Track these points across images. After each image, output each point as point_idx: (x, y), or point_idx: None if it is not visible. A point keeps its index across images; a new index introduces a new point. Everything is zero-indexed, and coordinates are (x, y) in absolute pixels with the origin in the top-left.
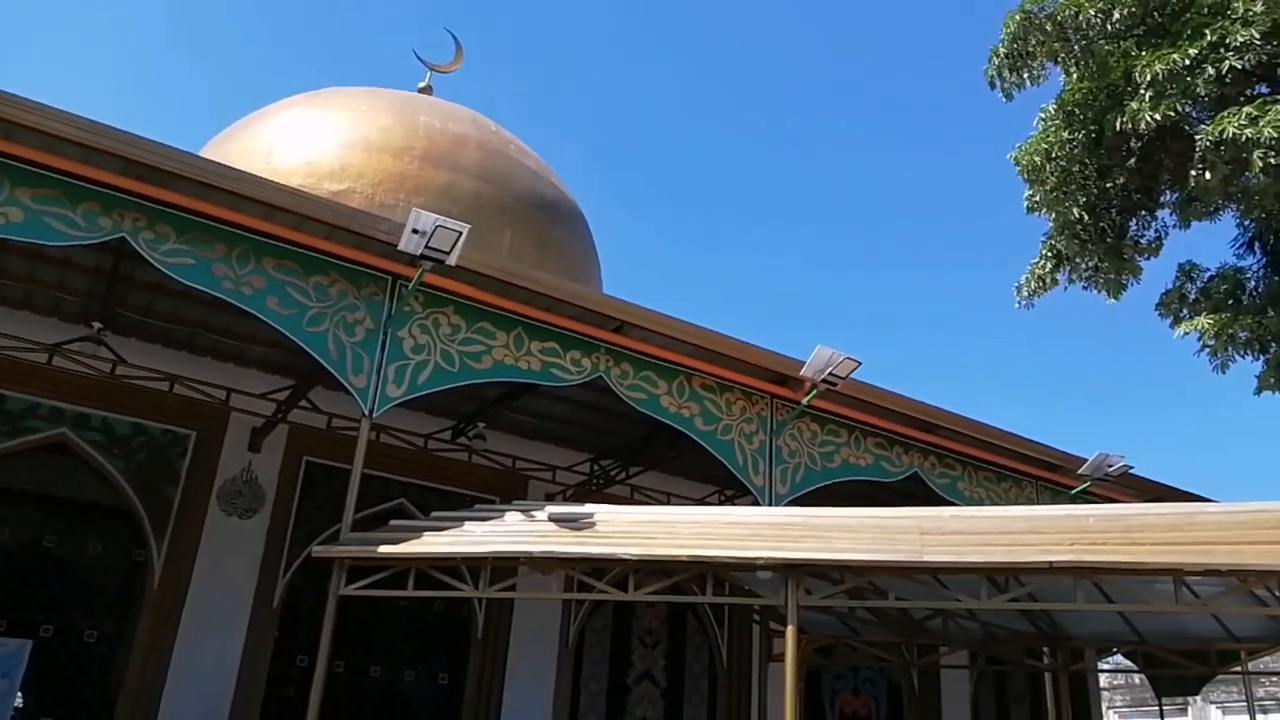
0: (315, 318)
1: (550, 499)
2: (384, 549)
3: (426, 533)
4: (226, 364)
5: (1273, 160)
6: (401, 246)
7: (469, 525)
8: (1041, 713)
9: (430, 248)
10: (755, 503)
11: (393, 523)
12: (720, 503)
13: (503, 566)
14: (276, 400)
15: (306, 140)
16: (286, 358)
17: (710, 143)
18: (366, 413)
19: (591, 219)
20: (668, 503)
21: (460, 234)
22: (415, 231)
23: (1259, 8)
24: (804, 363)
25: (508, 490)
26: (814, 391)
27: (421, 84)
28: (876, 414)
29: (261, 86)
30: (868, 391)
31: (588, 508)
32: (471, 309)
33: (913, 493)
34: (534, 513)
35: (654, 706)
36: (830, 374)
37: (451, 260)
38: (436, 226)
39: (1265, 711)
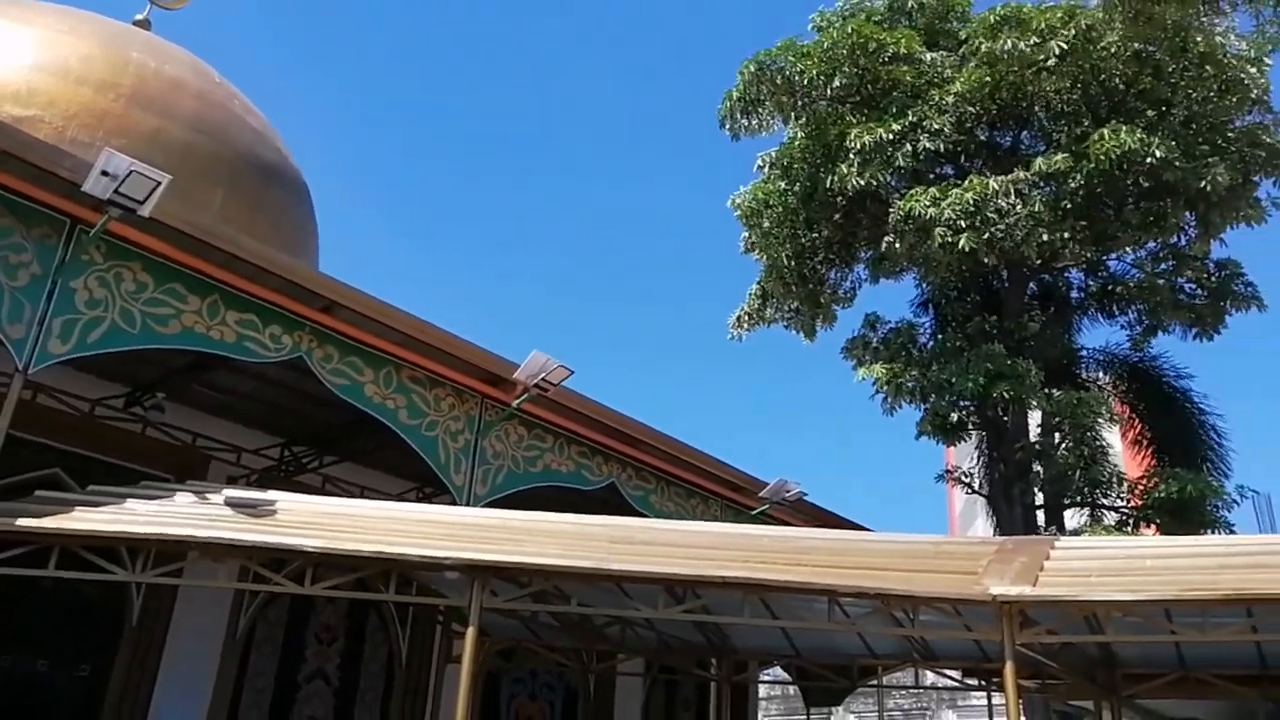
0: None
1: (233, 482)
2: (24, 522)
3: (79, 507)
4: None
5: (949, 238)
6: (86, 188)
7: (132, 503)
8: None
9: (121, 194)
10: (454, 502)
11: (39, 493)
12: (419, 500)
13: (167, 551)
14: None
15: None
16: None
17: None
18: (20, 367)
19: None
20: (362, 496)
21: (159, 184)
22: (105, 174)
23: (950, 99)
24: (518, 365)
25: (185, 469)
26: (525, 395)
27: (139, 16)
28: (582, 423)
29: None
30: (576, 400)
31: (270, 494)
32: (162, 267)
33: (609, 502)
34: (209, 495)
35: (324, 706)
36: (543, 379)
37: (145, 211)
38: (131, 171)
39: None
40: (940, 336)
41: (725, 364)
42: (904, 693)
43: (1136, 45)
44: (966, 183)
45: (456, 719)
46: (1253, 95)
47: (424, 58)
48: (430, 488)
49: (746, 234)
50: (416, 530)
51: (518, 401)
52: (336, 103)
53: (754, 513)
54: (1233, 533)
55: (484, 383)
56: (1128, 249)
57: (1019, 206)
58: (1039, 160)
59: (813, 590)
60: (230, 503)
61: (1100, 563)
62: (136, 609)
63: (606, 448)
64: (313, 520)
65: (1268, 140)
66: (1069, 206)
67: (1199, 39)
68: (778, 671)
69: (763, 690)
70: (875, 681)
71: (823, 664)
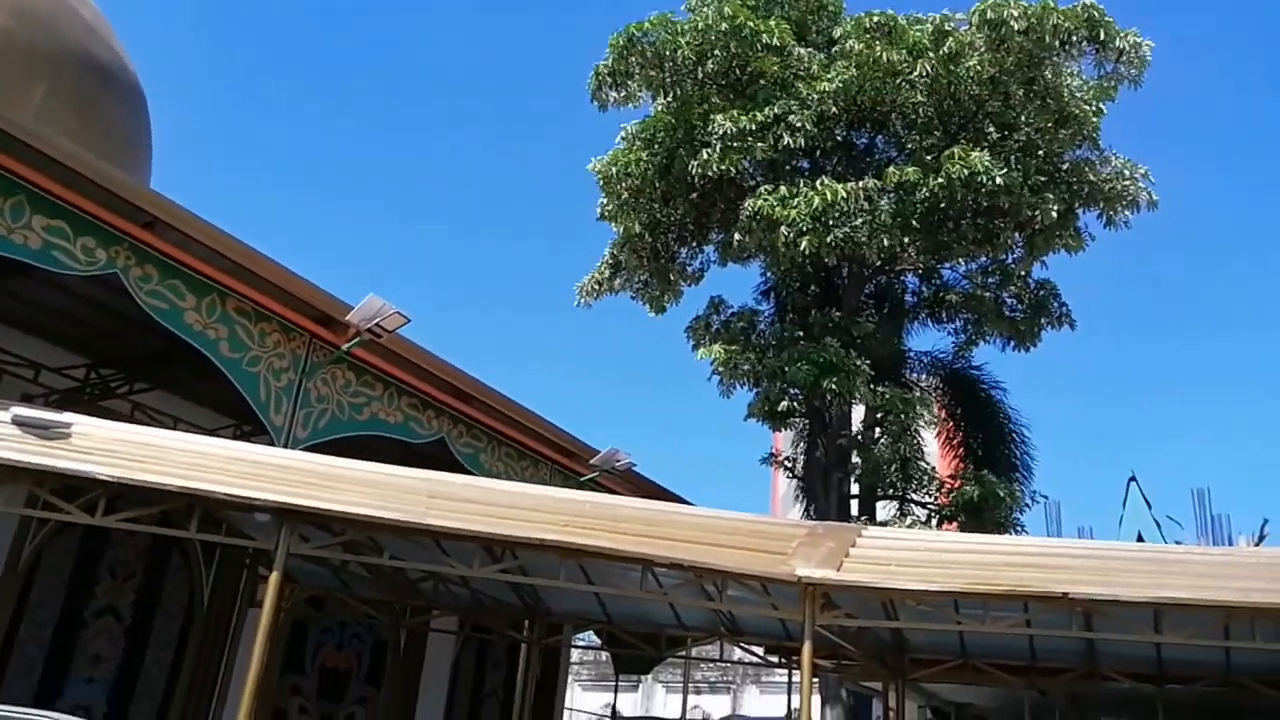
0: None
1: (29, 400)
2: None
3: None
4: None
5: (793, 237)
6: None
7: None
8: (514, 681)
9: None
10: (272, 443)
11: None
12: (236, 438)
13: None
14: None
15: None
16: None
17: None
18: None
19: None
20: (174, 429)
21: None
22: None
23: (815, 97)
24: (353, 307)
25: None
26: (357, 339)
27: None
28: (415, 374)
29: None
30: (410, 349)
31: (67, 416)
32: None
33: (438, 458)
34: None
35: (112, 643)
36: (377, 325)
37: None
38: None
39: (699, 692)
40: (779, 325)
41: (574, 326)
42: (711, 665)
43: (993, 70)
44: (817, 185)
45: (253, 663)
46: (1085, 132)
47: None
48: (249, 426)
49: (604, 200)
50: (226, 467)
51: (348, 345)
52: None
53: (583, 479)
54: (1023, 534)
55: (314, 322)
56: (960, 261)
57: (866, 206)
58: (891, 169)
59: (629, 558)
60: (19, 421)
61: (901, 553)
62: None
63: (438, 401)
64: (112, 447)
65: (1092, 176)
66: (913, 216)
67: (1048, 73)
68: (590, 637)
69: (574, 655)
70: (683, 653)
71: (634, 632)
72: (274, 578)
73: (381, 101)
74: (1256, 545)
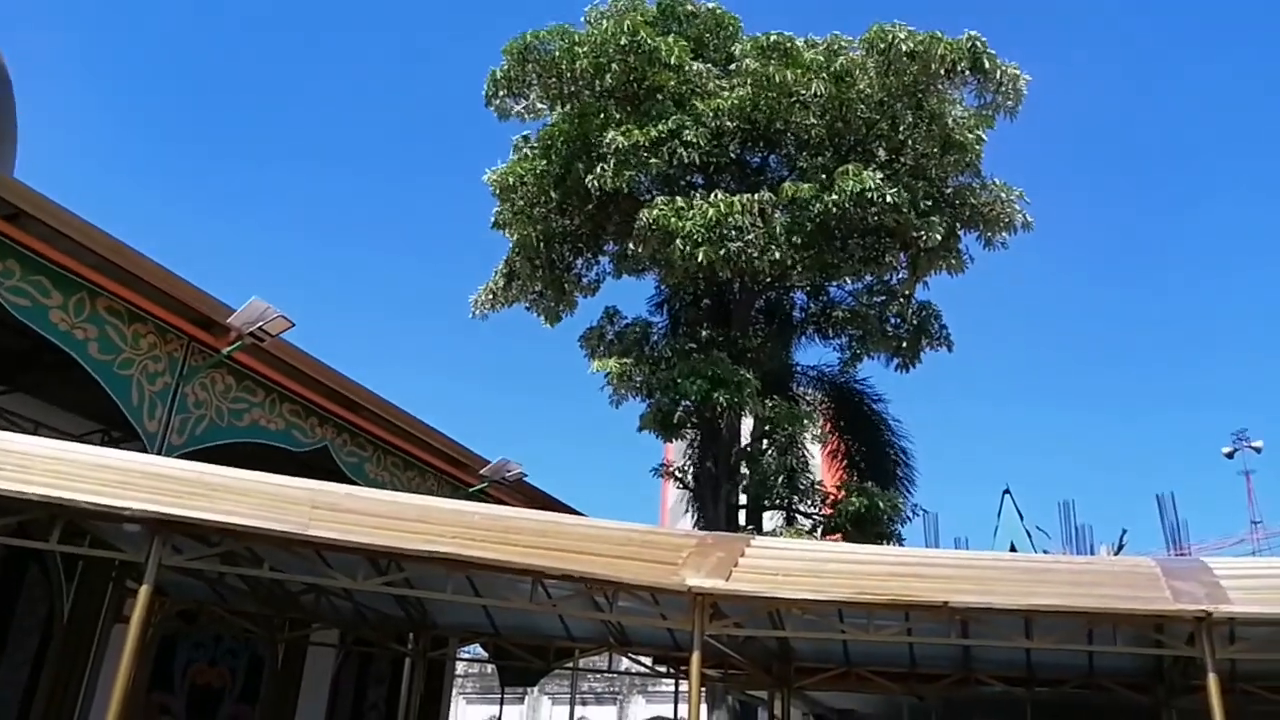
0: None
1: None
2: None
3: None
4: None
5: (688, 249)
6: None
7: None
8: (398, 695)
9: None
10: (144, 450)
11: None
12: (104, 444)
13: None
14: None
15: None
16: None
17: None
18: None
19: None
20: (35, 434)
21: None
22: None
23: (711, 113)
24: (234, 310)
25: None
26: (239, 343)
27: None
28: (299, 380)
29: None
30: (294, 354)
31: None
32: None
33: (321, 467)
34: None
35: None
36: (260, 328)
37: None
38: None
39: (585, 703)
40: (672, 338)
41: (467, 335)
42: (597, 676)
43: (882, 94)
44: (712, 197)
45: (118, 683)
46: (968, 159)
47: None
48: (119, 432)
49: (499, 209)
50: (92, 475)
51: (229, 349)
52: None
53: (472, 490)
54: (904, 544)
55: (193, 324)
56: (847, 279)
57: (759, 223)
58: (787, 185)
59: (519, 570)
60: None
61: (788, 563)
62: None
63: (322, 408)
64: None
65: (973, 200)
66: (805, 231)
67: (934, 100)
68: (476, 649)
69: (459, 668)
70: (571, 664)
71: (521, 644)
72: (144, 592)
73: (272, 98)
74: (1116, 554)
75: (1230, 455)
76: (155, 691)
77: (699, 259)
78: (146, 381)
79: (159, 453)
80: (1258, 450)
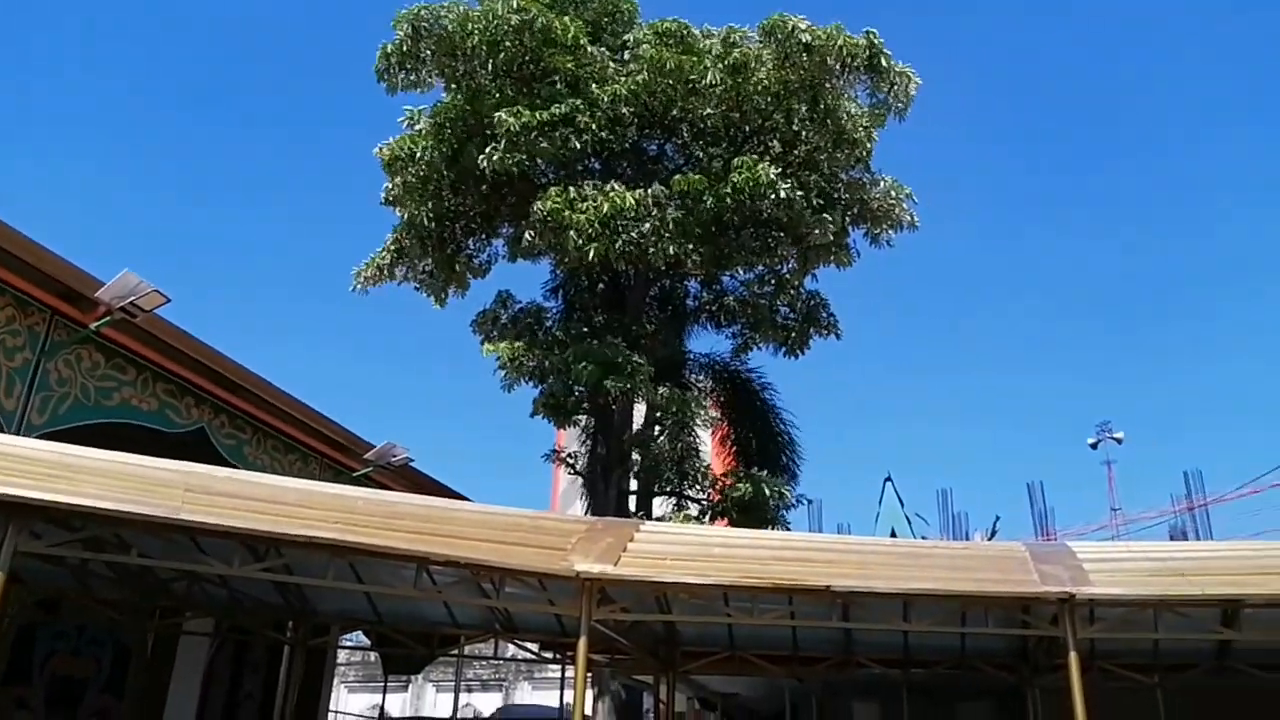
0: None
1: None
2: None
3: None
4: None
5: (580, 241)
6: None
7: None
8: (275, 684)
9: None
10: (0, 429)
11: None
12: None
13: None
14: None
15: None
16: None
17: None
18: None
19: None
20: None
21: None
22: None
23: (606, 99)
24: (104, 284)
25: None
26: (108, 318)
27: None
28: (174, 358)
29: None
30: (169, 331)
31: None
32: None
33: (197, 450)
34: None
35: None
36: (132, 303)
37: None
38: None
39: (470, 690)
40: (566, 323)
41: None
42: (483, 663)
43: (778, 86)
44: (606, 190)
45: None
46: (859, 154)
47: None
48: None
49: (389, 184)
50: None
51: (98, 324)
52: None
53: (356, 474)
54: (788, 530)
55: (57, 297)
56: (739, 269)
57: (654, 213)
58: (678, 178)
59: (404, 556)
60: None
61: (675, 548)
62: None
63: (199, 388)
64: None
65: (863, 196)
66: (698, 224)
67: (829, 96)
68: (358, 637)
69: (341, 656)
70: (456, 651)
71: (405, 631)
72: None
73: (152, 65)
74: (989, 539)
75: (1094, 446)
76: (11, 684)
77: (591, 255)
78: (4, 356)
79: (17, 433)
80: (1119, 441)
